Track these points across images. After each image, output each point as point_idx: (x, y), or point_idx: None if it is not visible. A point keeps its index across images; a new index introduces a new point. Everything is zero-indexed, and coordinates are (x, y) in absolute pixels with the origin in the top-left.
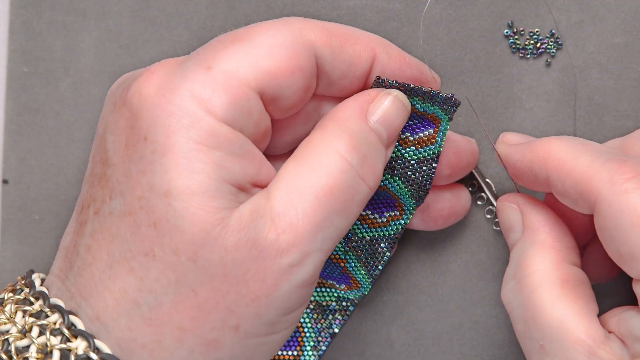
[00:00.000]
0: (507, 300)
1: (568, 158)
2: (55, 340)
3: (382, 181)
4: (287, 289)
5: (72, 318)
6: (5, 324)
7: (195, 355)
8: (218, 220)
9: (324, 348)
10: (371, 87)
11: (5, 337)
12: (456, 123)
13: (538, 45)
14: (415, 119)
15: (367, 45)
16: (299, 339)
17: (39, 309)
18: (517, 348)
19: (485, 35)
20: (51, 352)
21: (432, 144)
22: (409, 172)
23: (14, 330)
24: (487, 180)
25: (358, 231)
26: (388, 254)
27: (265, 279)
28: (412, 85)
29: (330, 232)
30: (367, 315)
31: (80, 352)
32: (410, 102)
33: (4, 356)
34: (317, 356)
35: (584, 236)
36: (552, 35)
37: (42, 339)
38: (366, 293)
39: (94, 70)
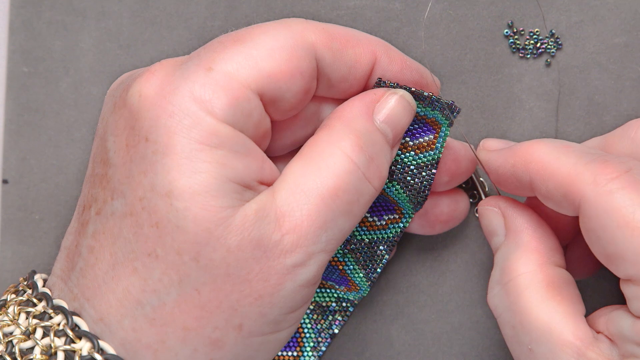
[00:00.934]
0: (494, 305)
1: (550, 160)
2: (59, 342)
3: None
4: (291, 289)
5: (76, 319)
6: (8, 325)
7: (199, 355)
8: (221, 219)
9: (323, 349)
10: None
11: (10, 338)
12: (455, 124)
13: (538, 45)
14: (416, 124)
15: (368, 47)
16: (299, 340)
17: (43, 310)
18: None
19: (485, 35)
20: (55, 353)
21: (432, 149)
22: (408, 178)
23: (17, 332)
24: (481, 179)
25: (357, 233)
26: (387, 256)
27: (269, 279)
28: (413, 89)
29: (335, 232)
30: (367, 315)
31: (84, 353)
32: None
33: (8, 358)
34: (317, 357)
35: (567, 236)
36: (552, 35)
37: (46, 340)
38: (365, 295)
39: (94, 70)
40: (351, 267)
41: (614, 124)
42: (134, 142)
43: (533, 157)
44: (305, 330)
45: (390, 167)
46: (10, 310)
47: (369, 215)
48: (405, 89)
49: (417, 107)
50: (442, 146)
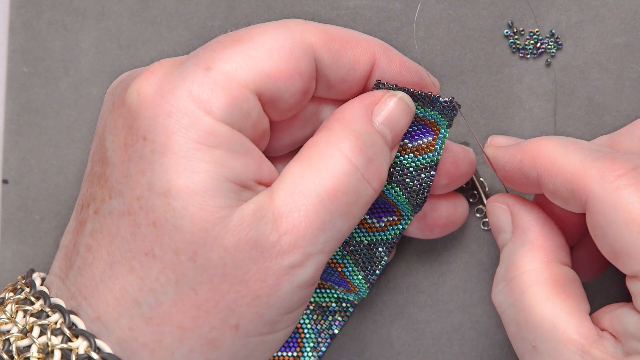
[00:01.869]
0: (498, 301)
1: (558, 157)
2: (56, 340)
3: None
4: (289, 289)
5: (73, 318)
6: (6, 323)
7: (195, 355)
8: (218, 219)
9: (323, 349)
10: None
11: (7, 337)
12: (455, 124)
13: (538, 45)
14: (415, 125)
15: (367, 49)
16: (299, 340)
17: (40, 308)
18: None
19: (485, 35)
20: (52, 351)
21: (430, 151)
22: (407, 180)
23: (15, 330)
24: (482, 179)
25: (356, 235)
26: (386, 258)
27: (266, 279)
28: (412, 90)
29: (333, 234)
30: (367, 315)
31: (81, 351)
32: None
33: (5, 356)
34: (316, 357)
35: (574, 236)
36: (552, 35)
37: (43, 338)
38: (364, 296)
39: (94, 70)
40: (350, 269)
41: (614, 124)
42: (132, 141)
43: (541, 153)
44: (305, 331)
45: (390, 169)
46: (7, 308)
47: (367, 217)
48: (404, 90)
49: (416, 108)
50: (441, 148)
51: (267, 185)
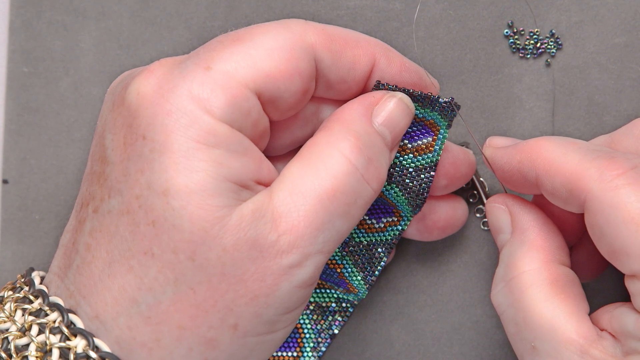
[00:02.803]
0: (498, 302)
1: (556, 156)
2: (54, 339)
3: None
4: (287, 289)
5: (72, 317)
6: (4, 322)
7: (193, 354)
8: (217, 219)
9: (323, 349)
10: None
11: (5, 335)
12: (455, 124)
13: (538, 45)
14: (414, 126)
15: (367, 49)
16: (299, 340)
17: (39, 307)
18: None
19: (485, 35)
20: (50, 350)
21: (430, 152)
22: (406, 180)
23: (13, 328)
24: (481, 179)
25: (355, 236)
26: (385, 259)
27: (265, 279)
28: (411, 90)
29: (332, 234)
30: (367, 315)
31: (79, 350)
32: None
33: (3, 355)
34: (316, 357)
35: (573, 236)
36: (552, 35)
37: (42, 337)
38: (363, 297)
39: (94, 70)
40: (349, 269)
41: (614, 124)
42: (131, 140)
43: (539, 153)
44: (305, 331)
45: (389, 170)
46: (6, 307)
47: (367, 217)
48: (404, 90)
49: (416, 109)
50: (440, 148)
51: (267, 185)
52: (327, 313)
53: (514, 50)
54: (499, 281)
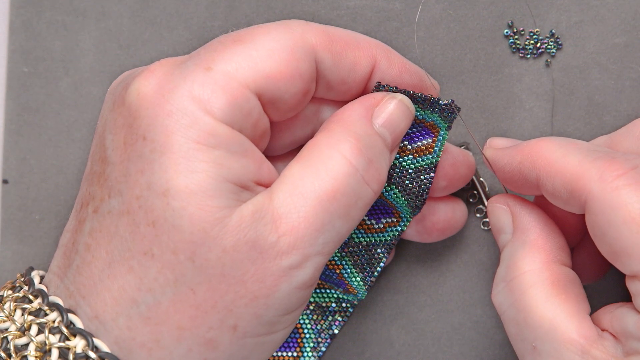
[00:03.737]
0: (498, 302)
1: (557, 157)
2: (53, 339)
3: None
4: (287, 290)
5: (71, 317)
6: (4, 321)
7: (193, 355)
8: (217, 219)
9: (323, 349)
10: (372, 93)
11: (4, 335)
12: (455, 124)
13: (538, 45)
14: (414, 127)
15: (367, 51)
16: (299, 340)
17: (38, 307)
18: None
19: (485, 35)
20: (50, 350)
21: (430, 153)
22: (406, 181)
23: (12, 328)
24: (482, 179)
25: (355, 236)
26: (384, 260)
27: (265, 280)
28: (412, 92)
29: (332, 235)
30: (367, 315)
31: (78, 350)
32: None
33: (2, 354)
34: (316, 357)
35: (575, 237)
36: (552, 35)
37: (41, 337)
38: (363, 298)
39: (94, 70)
40: (349, 270)
41: (614, 124)
42: (131, 140)
43: (540, 154)
44: (305, 331)
45: (389, 171)
46: (6, 306)
47: (366, 218)
48: (404, 92)
49: (416, 110)
50: (440, 150)
51: (267, 186)
52: (327, 313)
53: (514, 50)
54: (500, 281)
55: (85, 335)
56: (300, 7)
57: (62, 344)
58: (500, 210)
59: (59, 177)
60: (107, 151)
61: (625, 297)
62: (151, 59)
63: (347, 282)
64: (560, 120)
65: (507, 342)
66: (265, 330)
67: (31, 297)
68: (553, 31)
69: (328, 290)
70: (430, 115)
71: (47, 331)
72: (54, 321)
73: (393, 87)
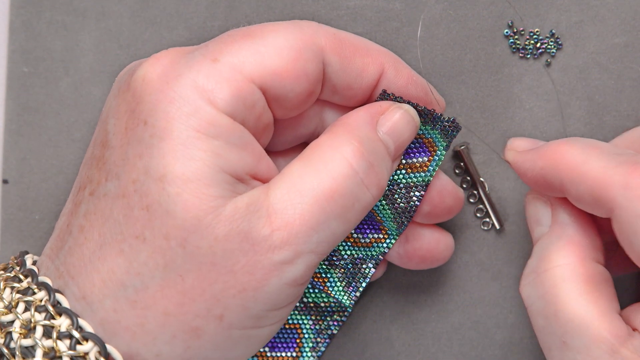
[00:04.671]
0: (527, 293)
1: (579, 163)
2: (39, 317)
3: None
4: (277, 286)
5: (58, 296)
6: None
7: (177, 341)
8: (211, 208)
9: (322, 349)
10: (376, 100)
11: None
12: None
13: (538, 45)
14: (412, 142)
15: (376, 58)
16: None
17: (27, 286)
18: (518, 348)
19: (485, 35)
20: (34, 327)
21: (423, 171)
22: (395, 195)
23: (0, 305)
24: (482, 179)
25: (341, 248)
26: (369, 276)
27: (255, 273)
28: (416, 104)
29: (327, 235)
30: (367, 315)
31: (63, 329)
32: None
33: None
34: (316, 357)
35: (606, 233)
36: (552, 35)
37: (27, 315)
38: (349, 311)
39: (94, 70)
40: (334, 283)
41: (614, 124)
42: (133, 124)
43: (562, 159)
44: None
45: None
46: None
47: (353, 231)
48: (409, 103)
49: None
50: (434, 170)
51: (264, 181)
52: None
53: (514, 50)
54: (531, 272)
55: (71, 314)
56: (300, 7)
57: (47, 322)
58: (540, 203)
59: (59, 177)
60: (108, 135)
61: None
62: None
63: (331, 294)
64: (560, 120)
65: (507, 342)
66: (252, 323)
67: (21, 276)
68: (553, 31)
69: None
70: (431, 132)
71: (33, 309)
72: (40, 300)
73: (398, 97)
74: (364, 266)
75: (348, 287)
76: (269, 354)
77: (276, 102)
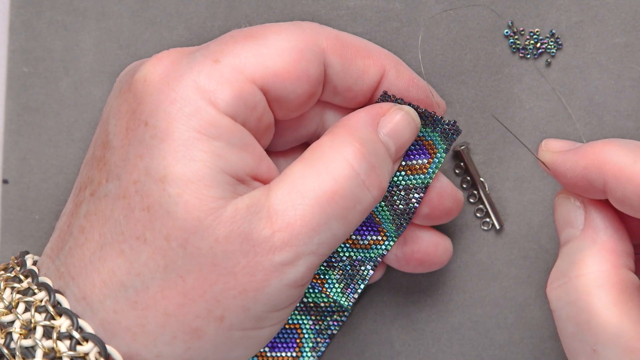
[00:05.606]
0: (556, 296)
1: (627, 164)
2: (39, 317)
3: None
4: (277, 287)
5: (59, 297)
6: None
7: (177, 342)
8: (212, 209)
9: (322, 349)
10: (377, 102)
11: None
12: (459, 124)
13: (538, 45)
14: (413, 144)
15: (377, 60)
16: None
17: (27, 286)
18: (518, 348)
19: (485, 35)
20: (34, 328)
21: (423, 173)
22: (394, 197)
23: (0, 306)
24: (482, 179)
25: (339, 249)
26: (368, 278)
27: (255, 274)
28: (417, 106)
29: (328, 236)
30: (367, 315)
31: (63, 330)
32: None
33: None
34: (316, 357)
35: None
36: (552, 35)
37: (27, 315)
38: (349, 311)
39: (94, 70)
40: (332, 285)
41: (614, 124)
42: (133, 125)
43: (607, 160)
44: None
45: None
46: None
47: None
48: (409, 105)
49: None
50: (434, 172)
51: (265, 182)
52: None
53: (514, 50)
54: (561, 276)
55: (71, 315)
56: (300, 7)
57: (47, 323)
58: (572, 204)
59: (59, 177)
60: (109, 136)
61: None
62: None
63: (330, 295)
64: (560, 120)
65: (507, 342)
66: (252, 324)
67: (22, 277)
68: (553, 31)
69: None
70: (431, 134)
71: (33, 309)
72: (41, 300)
73: (399, 99)
74: (362, 268)
75: (346, 289)
76: (269, 354)
77: (277, 103)
